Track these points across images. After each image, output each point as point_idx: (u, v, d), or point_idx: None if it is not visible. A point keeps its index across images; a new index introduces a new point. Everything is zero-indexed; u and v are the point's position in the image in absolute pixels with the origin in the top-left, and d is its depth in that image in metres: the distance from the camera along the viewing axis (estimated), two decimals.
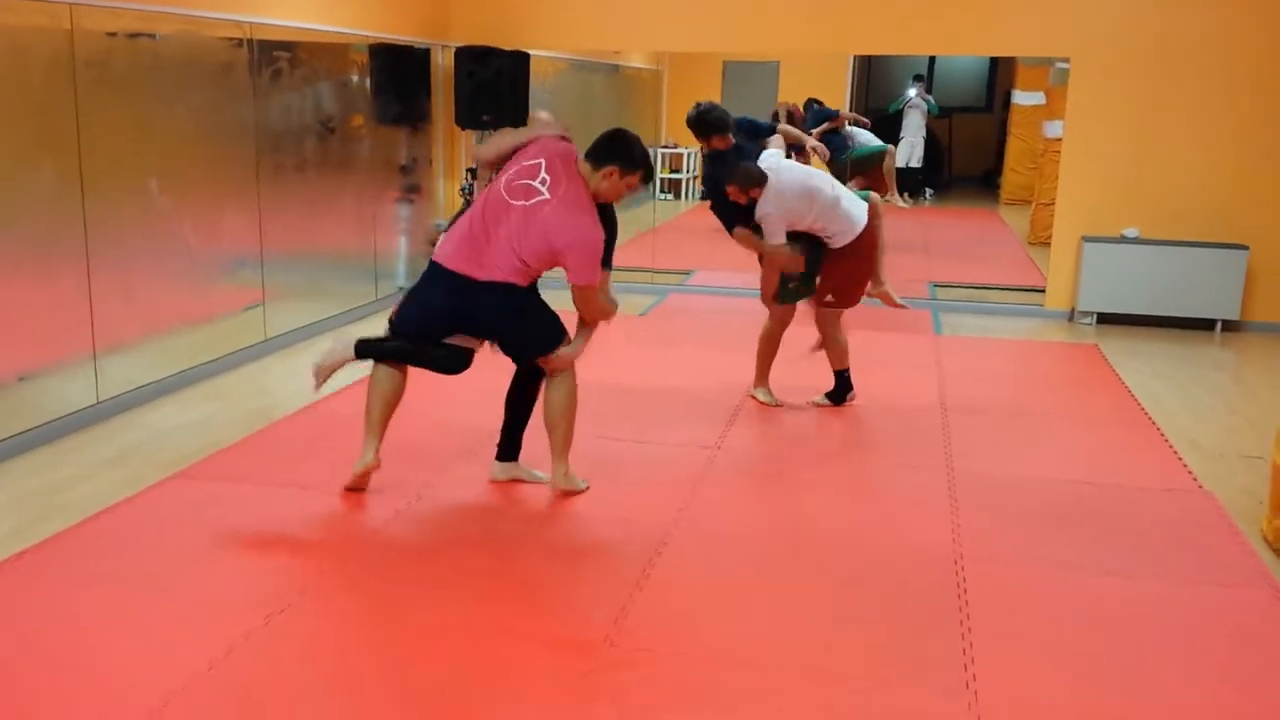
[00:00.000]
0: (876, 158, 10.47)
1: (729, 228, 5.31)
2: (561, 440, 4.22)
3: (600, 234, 3.97)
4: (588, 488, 4.29)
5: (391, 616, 3.27)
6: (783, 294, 5.39)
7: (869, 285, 5.43)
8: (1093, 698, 2.96)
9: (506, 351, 4.18)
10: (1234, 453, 5.05)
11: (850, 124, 11.05)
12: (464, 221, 4.03)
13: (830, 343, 5.44)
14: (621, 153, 4.00)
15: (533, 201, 3.91)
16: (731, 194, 5.14)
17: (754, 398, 5.56)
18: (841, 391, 5.52)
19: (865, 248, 5.28)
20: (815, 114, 11.02)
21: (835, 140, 10.73)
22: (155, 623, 3.20)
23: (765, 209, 5.11)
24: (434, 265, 4.03)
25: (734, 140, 5.42)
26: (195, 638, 3.10)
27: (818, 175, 5.31)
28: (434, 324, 4.06)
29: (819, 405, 5.51)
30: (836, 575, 3.66)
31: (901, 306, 5.67)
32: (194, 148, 5.60)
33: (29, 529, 3.83)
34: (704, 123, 5.37)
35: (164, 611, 3.27)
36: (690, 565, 3.70)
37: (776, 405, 5.51)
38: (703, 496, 4.32)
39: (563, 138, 4.09)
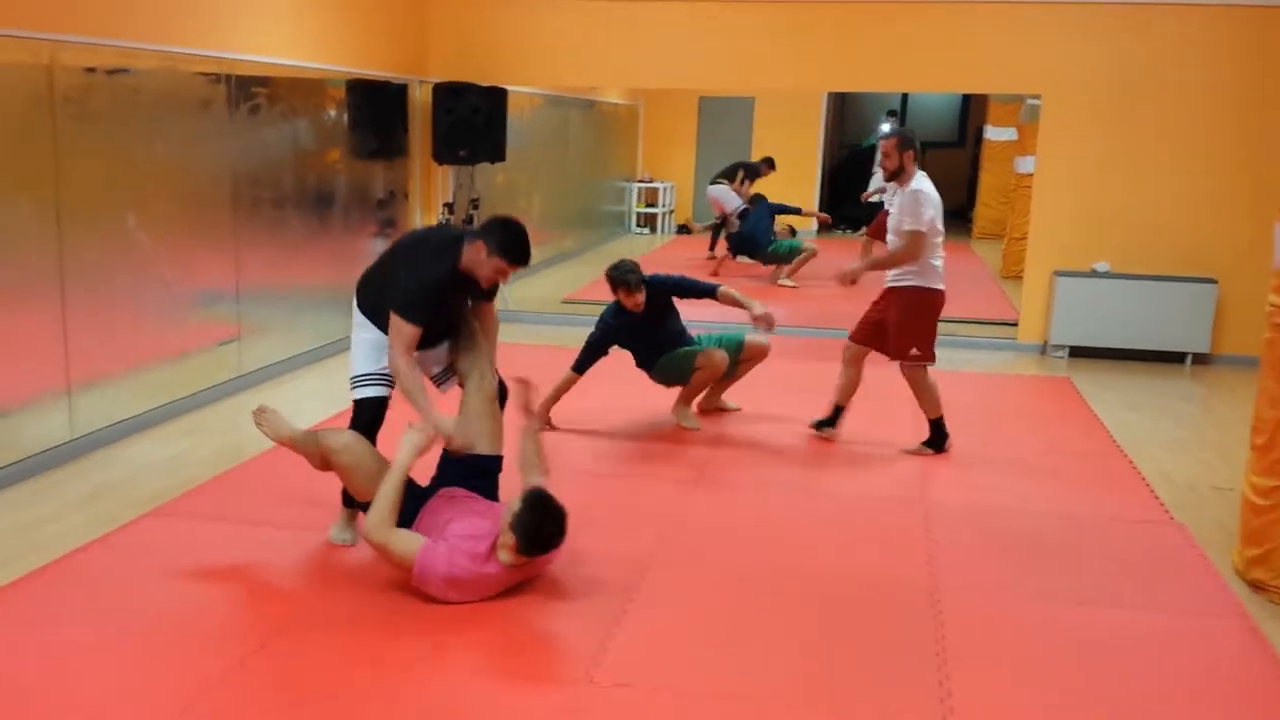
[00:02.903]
0: (796, 252, 10.83)
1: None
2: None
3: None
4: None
5: (367, 655, 3.26)
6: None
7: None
8: None
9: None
10: (1205, 484, 5.11)
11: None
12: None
13: (923, 394, 5.38)
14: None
15: None
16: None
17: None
18: (939, 438, 5.42)
19: (937, 304, 5.30)
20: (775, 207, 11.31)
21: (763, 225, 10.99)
22: (130, 662, 3.18)
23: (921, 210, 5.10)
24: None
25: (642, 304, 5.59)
26: (171, 677, 3.08)
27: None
28: None
29: (914, 453, 5.40)
30: (814, 607, 3.67)
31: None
32: (171, 183, 5.61)
33: (2, 567, 3.79)
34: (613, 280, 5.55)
35: (139, 651, 3.24)
36: (669, 599, 3.71)
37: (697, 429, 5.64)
38: (681, 530, 4.34)
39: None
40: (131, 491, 4.60)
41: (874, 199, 11.30)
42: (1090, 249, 7.78)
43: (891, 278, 5.30)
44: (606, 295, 5.75)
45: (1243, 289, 7.46)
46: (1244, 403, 6.68)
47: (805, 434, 5.68)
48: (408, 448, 3.70)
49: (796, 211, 11.94)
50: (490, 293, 4.12)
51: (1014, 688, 3.19)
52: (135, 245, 5.36)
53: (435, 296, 3.85)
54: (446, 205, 8.48)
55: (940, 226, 5.19)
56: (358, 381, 4.07)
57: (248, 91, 6.14)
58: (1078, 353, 7.87)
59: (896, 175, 5.21)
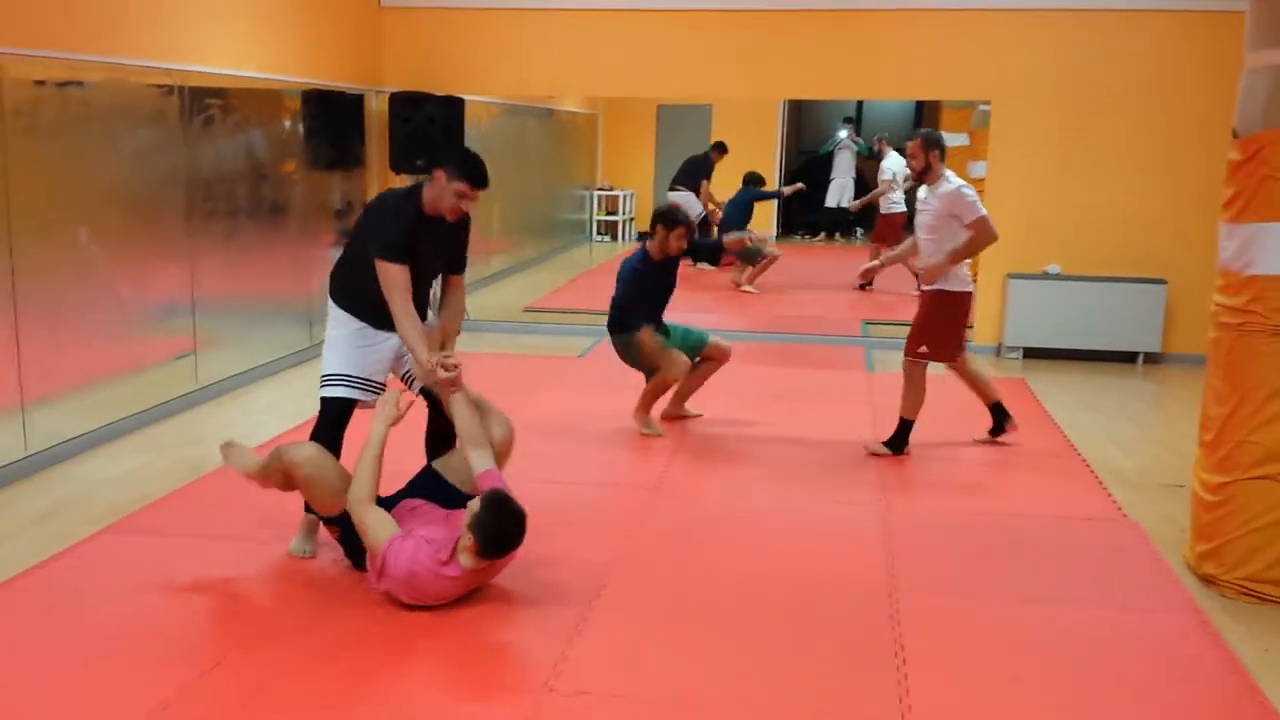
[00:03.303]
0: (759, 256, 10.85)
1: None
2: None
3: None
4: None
5: (327, 668, 3.25)
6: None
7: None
8: None
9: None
10: (1156, 482, 5.20)
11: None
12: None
13: (910, 391, 5.44)
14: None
15: None
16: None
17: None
18: (900, 440, 5.47)
19: (959, 306, 5.38)
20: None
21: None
22: (89, 679, 3.14)
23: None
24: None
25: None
26: (129, 694, 3.05)
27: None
28: None
29: (875, 454, 5.46)
30: (774, 611, 3.70)
31: None
32: (124, 196, 5.56)
33: None
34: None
35: (97, 668, 3.21)
36: (630, 607, 3.72)
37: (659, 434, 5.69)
38: (641, 537, 4.35)
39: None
40: (87, 508, 4.55)
41: (891, 206, 11.23)
42: (1042, 252, 7.90)
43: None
44: (570, 303, 5.77)
45: (1191, 289, 7.59)
46: (1195, 400, 6.76)
47: (764, 439, 5.72)
48: (380, 419, 3.75)
49: (777, 195, 12.09)
50: (460, 262, 4.19)
51: (972, 688, 3.23)
52: (88, 259, 5.30)
53: (409, 235, 3.89)
54: None
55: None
56: (327, 380, 4.10)
57: (201, 103, 6.10)
58: (1032, 354, 7.98)
59: (923, 175, 5.33)
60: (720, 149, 12.04)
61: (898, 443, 5.46)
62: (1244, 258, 3.88)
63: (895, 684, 3.21)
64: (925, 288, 5.42)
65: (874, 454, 5.46)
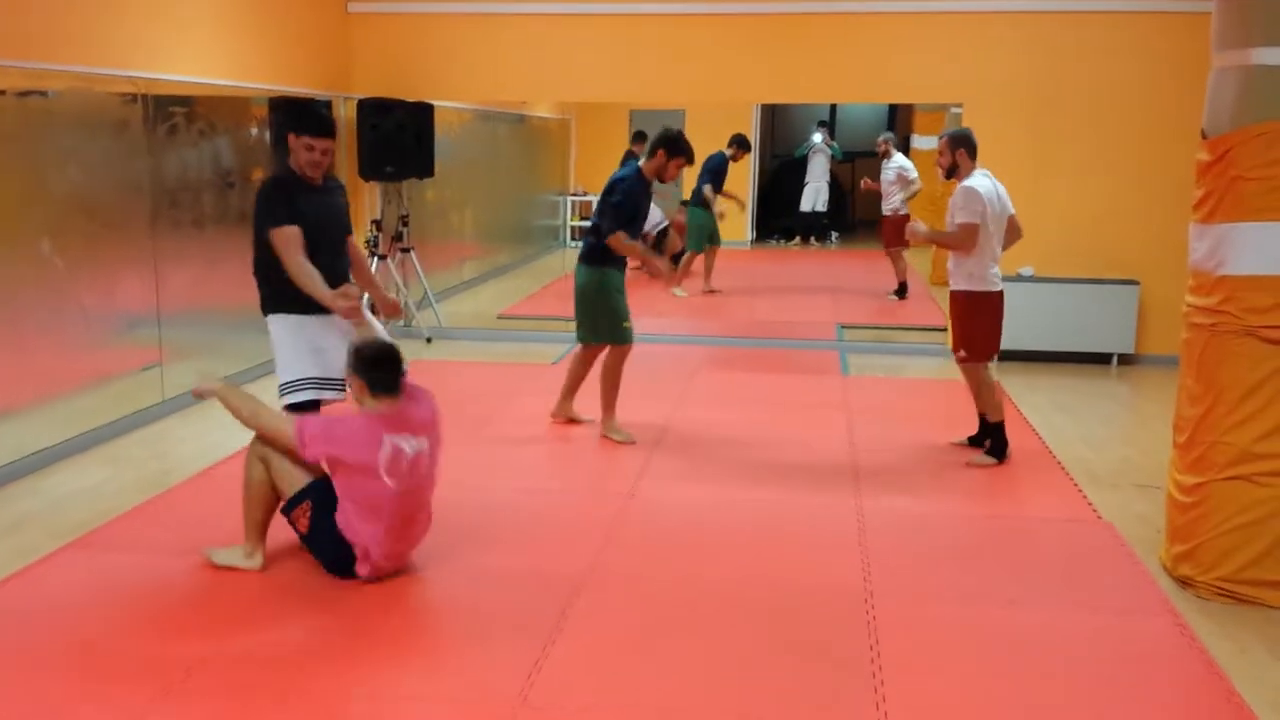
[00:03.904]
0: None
1: None
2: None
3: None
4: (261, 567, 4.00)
5: (294, 684, 3.19)
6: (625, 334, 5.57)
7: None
8: None
9: None
10: (1130, 483, 5.20)
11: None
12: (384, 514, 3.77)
13: (978, 393, 5.43)
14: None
15: (419, 452, 3.79)
16: None
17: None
18: (999, 446, 5.41)
19: (989, 307, 5.35)
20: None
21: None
22: (55, 695, 3.08)
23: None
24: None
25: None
26: (95, 711, 2.99)
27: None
28: None
29: (979, 465, 5.38)
30: (750, 618, 3.66)
31: None
32: (88, 206, 5.47)
33: None
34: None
35: (63, 684, 3.14)
36: (604, 616, 3.68)
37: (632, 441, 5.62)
38: (616, 545, 4.31)
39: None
40: (50, 523, 4.47)
41: (895, 208, 11.06)
42: (1015, 254, 7.82)
43: (951, 282, 5.42)
44: (544, 310, 5.72)
45: (1164, 290, 7.61)
46: (1168, 401, 6.77)
47: (740, 444, 5.69)
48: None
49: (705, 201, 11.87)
50: (344, 224, 4.44)
51: (948, 691, 3.20)
52: (52, 270, 5.21)
53: (286, 197, 4.11)
54: (375, 222, 8.38)
55: (993, 228, 5.27)
56: (288, 388, 4.19)
57: (166, 111, 6.02)
58: (1006, 356, 7.97)
59: (952, 173, 5.37)
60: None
61: (999, 449, 5.41)
62: (1215, 258, 3.88)
63: (872, 690, 3.18)
64: (952, 289, 5.41)
65: (975, 466, 5.37)
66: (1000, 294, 5.38)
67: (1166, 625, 3.68)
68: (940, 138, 5.45)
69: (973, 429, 5.62)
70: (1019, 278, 7.83)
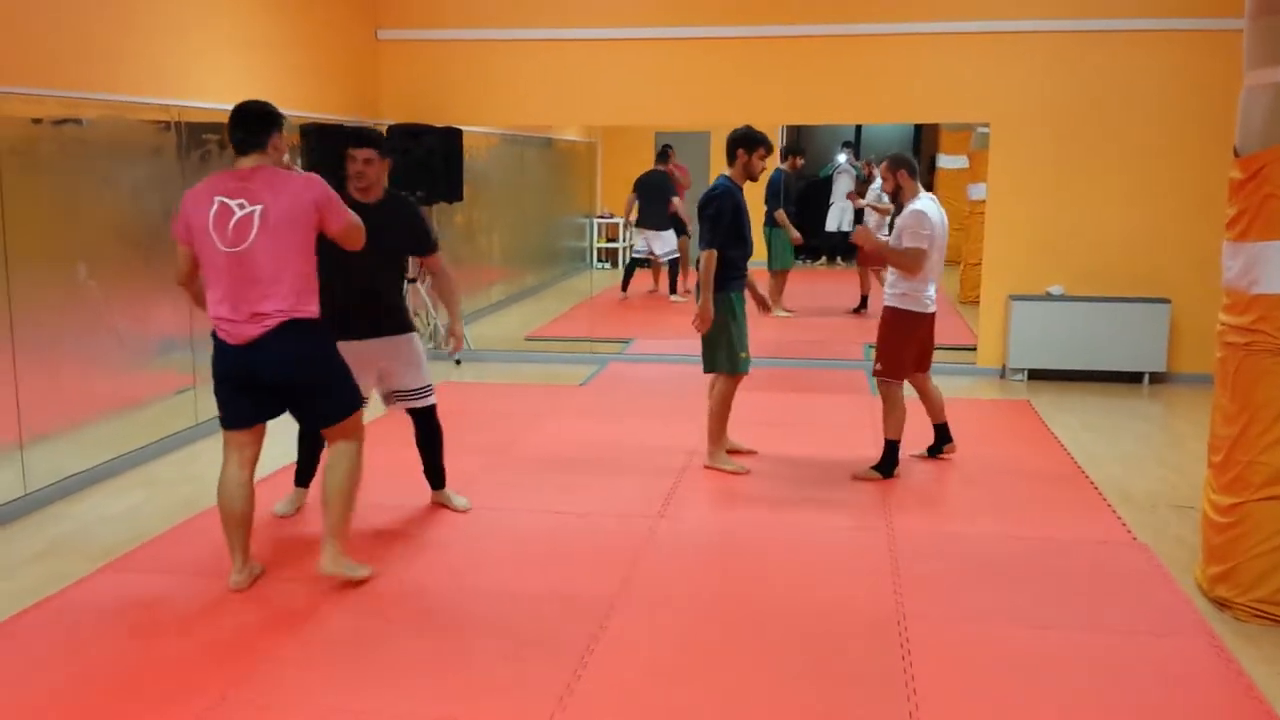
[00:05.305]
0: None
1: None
2: (338, 520, 4.02)
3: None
4: (369, 575, 4.10)
5: (328, 705, 3.20)
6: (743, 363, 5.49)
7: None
8: None
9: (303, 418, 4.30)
10: (1165, 503, 5.15)
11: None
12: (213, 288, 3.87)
13: (888, 412, 5.45)
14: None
15: (246, 213, 3.81)
16: None
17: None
18: (889, 463, 5.45)
19: (910, 326, 5.39)
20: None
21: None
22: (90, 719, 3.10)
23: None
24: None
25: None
26: None
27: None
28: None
29: (863, 478, 5.43)
30: (782, 640, 3.65)
31: None
32: (123, 231, 5.55)
33: None
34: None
35: (98, 708, 3.17)
36: (635, 639, 3.67)
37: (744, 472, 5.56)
38: (646, 568, 4.30)
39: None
40: (85, 547, 4.51)
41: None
42: (1044, 272, 7.88)
43: (885, 297, 5.47)
44: (571, 332, 5.72)
45: (1195, 308, 7.56)
46: (1201, 420, 6.74)
47: (768, 465, 5.67)
48: None
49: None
50: (423, 246, 4.72)
51: (983, 714, 3.17)
52: (86, 295, 5.29)
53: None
54: None
55: (936, 255, 5.32)
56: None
57: (199, 138, 6.10)
58: (1036, 375, 7.94)
59: (897, 195, 5.41)
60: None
61: (886, 465, 5.43)
62: (1249, 276, 3.85)
63: (907, 716, 3.16)
64: (885, 303, 5.47)
65: (860, 478, 5.42)
66: (930, 317, 5.44)
67: (1203, 647, 3.63)
68: (880, 163, 5.48)
69: (977, 441, 5.63)
70: (1049, 296, 7.80)
